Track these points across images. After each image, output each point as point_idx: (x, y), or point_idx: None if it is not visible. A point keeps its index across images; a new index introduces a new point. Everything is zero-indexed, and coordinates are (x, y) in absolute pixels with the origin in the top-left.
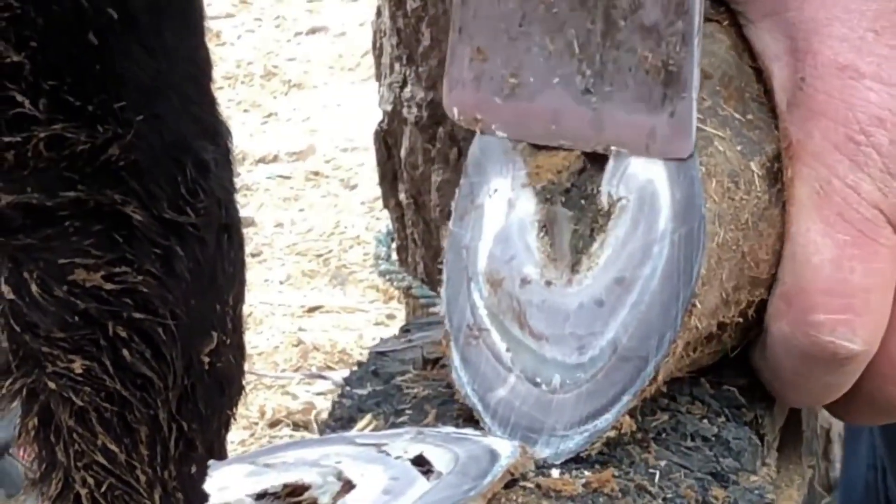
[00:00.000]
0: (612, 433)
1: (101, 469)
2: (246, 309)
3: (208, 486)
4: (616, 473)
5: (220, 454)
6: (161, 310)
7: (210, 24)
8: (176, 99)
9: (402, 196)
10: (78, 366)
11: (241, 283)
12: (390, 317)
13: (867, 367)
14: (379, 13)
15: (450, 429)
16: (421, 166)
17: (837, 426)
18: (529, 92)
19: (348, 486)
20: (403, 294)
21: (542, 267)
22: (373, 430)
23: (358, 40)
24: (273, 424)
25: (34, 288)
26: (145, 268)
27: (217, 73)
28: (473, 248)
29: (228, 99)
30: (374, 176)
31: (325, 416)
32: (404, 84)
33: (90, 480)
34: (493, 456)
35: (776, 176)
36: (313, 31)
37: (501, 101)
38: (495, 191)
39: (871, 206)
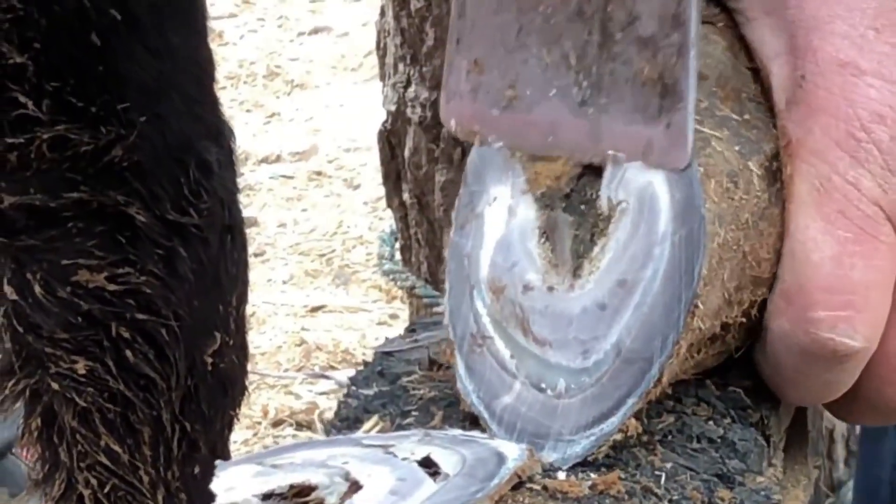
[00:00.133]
0: (619, 436)
1: (104, 470)
2: (249, 309)
3: (215, 485)
4: (622, 475)
5: (224, 454)
6: (164, 310)
7: (213, 24)
8: (179, 99)
9: (405, 196)
10: (81, 366)
11: (244, 283)
12: (393, 317)
13: (865, 369)
14: (383, 13)
15: (457, 431)
16: (425, 166)
17: (841, 427)
18: (527, 104)
19: (355, 486)
20: (407, 294)
21: (544, 273)
22: (379, 431)
23: (360, 40)
24: (276, 424)
25: (37, 289)
26: (148, 269)
27: (220, 73)
28: (475, 256)
29: (231, 99)
30: (376, 176)
31: (328, 415)
32: (408, 84)
33: (93, 481)
34: (501, 458)
35: (775, 175)
36: (316, 31)
37: (499, 112)
38: (495, 199)
39: (872, 203)
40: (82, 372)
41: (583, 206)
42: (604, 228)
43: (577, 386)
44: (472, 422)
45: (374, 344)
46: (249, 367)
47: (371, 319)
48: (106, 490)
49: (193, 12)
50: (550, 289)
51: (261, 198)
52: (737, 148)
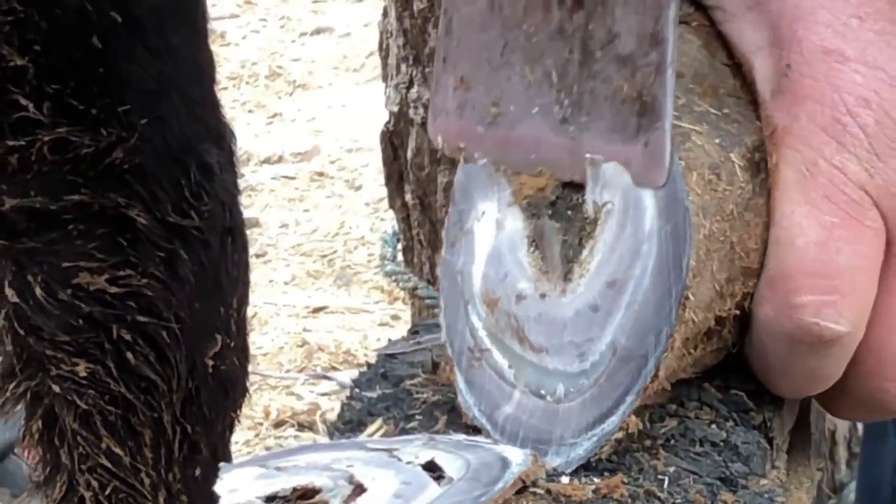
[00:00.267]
0: (620, 434)
1: (106, 472)
2: (251, 309)
3: (218, 487)
4: (625, 480)
5: (225, 456)
6: (165, 313)
7: (215, 25)
8: (180, 101)
9: (408, 197)
10: (82, 369)
11: (245, 285)
12: (395, 318)
13: (851, 361)
14: (385, 14)
15: (461, 436)
16: (427, 167)
17: (843, 428)
18: (510, 121)
19: (359, 489)
20: (409, 295)
21: (536, 281)
22: (383, 435)
23: (362, 41)
24: (278, 425)
25: (38, 291)
26: (149, 271)
27: (222, 73)
28: (467, 271)
29: (233, 99)
30: (378, 177)
31: (329, 416)
32: (410, 85)
33: (94, 483)
34: (505, 463)
35: (758, 166)
36: (318, 31)
37: (484, 129)
38: (483, 213)
39: (858, 188)
40: (83, 374)
41: (569, 212)
42: (591, 231)
43: (575, 389)
44: (476, 428)
45: (375, 345)
46: (251, 368)
47: (373, 320)
48: (107, 492)
49: (194, 13)
50: (543, 296)
51: (262, 198)
52: (717, 141)
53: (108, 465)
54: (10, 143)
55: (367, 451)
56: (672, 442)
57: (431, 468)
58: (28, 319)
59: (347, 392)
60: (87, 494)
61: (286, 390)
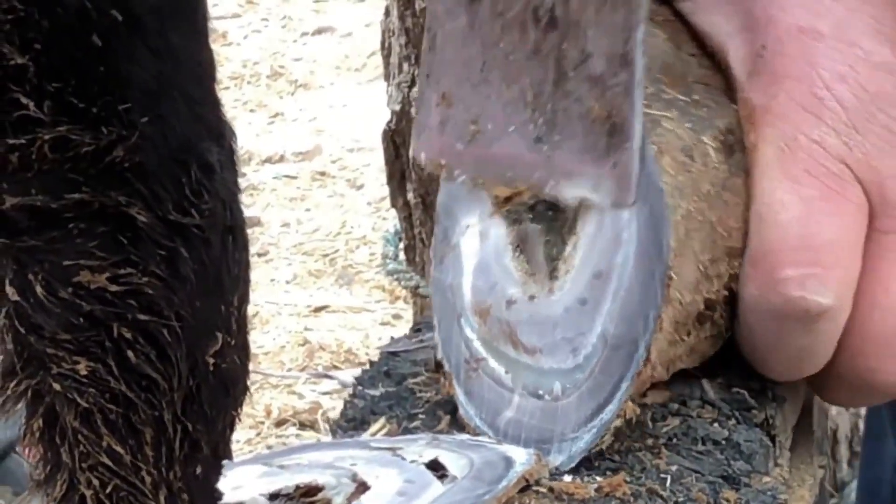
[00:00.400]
0: (618, 422)
1: (106, 470)
2: (252, 308)
3: (221, 485)
4: (628, 478)
5: (226, 455)
6: (166, 311)
7: (216, 25)
8: (180, 100)
9: (410, 196)
10: (83, 367)
11: (246, 284)
12: (396, 317)
13: (838, 343)
14: (387, 13)
15: (465, 436)
16: None
17: (845, 427)
18: (488, 139)
19: (363, 487)
20: (411, 293)
21: (523, 284)
22: (386, 433)
23: (364, 40)
24: (279, 424)
25: (39, 290)
26: (150, 269)
27: (223, 73)
28: (457, 285)
29: (235, 99)
30: (379, 176)
31: (331, 415)
32: (412, 83)
33: (95, 481)
34: (508, 462)
35: (732, 148)
36: (320, 31)
37: (463, 147)
38: (467, 227)
39: (838, 161)
40: (84, 373)
41: (550, 213)
42: (572, 227)
43: (572, 384)
44: None
45: (377, 344)
46: (252, 366)
47: (374, 319)
48: (108, 490)
49: (194, 13)
50: (532, 297)
51: (264, 198)
52: (688, 125)
53: (109, 463)
54: (11, 141)
55: (370, 449)
56: (674, 440)
57: (435, 467)
58: (29, 318)
59: (350, 390)
60: (88, 493)
61: (287, 389)
